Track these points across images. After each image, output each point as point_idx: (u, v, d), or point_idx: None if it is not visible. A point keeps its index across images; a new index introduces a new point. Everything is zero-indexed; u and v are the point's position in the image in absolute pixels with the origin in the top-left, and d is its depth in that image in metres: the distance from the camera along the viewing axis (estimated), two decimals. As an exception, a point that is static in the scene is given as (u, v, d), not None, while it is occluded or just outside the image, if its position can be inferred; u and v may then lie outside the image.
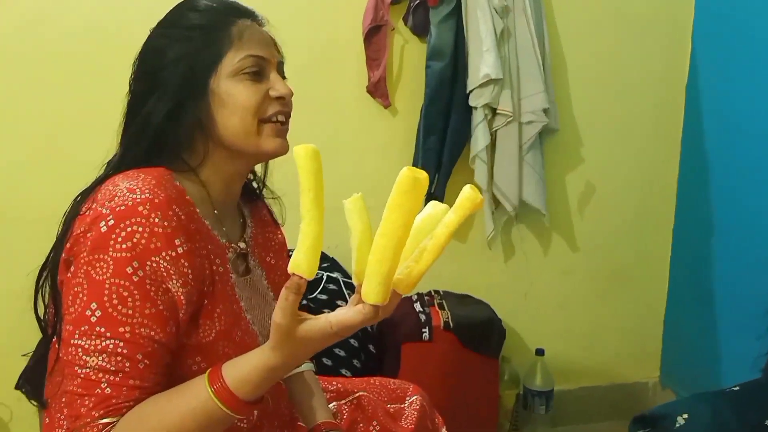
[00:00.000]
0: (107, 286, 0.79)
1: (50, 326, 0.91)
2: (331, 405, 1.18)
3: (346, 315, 0.73)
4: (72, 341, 0.80)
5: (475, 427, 1.97)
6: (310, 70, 1.95)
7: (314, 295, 1.85)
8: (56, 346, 0.87)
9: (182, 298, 0.83)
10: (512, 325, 2.22)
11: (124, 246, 0.79)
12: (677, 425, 1.24)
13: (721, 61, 2.10)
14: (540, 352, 2.16)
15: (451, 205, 0.74)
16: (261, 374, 0.77)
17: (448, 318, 1.93)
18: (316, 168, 0.72)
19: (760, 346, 1.43)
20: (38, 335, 0.96)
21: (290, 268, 0.73)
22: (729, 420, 1.21)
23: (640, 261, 2.33)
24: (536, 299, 2.27)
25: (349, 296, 1.62)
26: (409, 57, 2.03)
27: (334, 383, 1.26)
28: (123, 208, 0.80)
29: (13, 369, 0.98)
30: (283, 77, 0.99)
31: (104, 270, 0.79)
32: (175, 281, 0.82)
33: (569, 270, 2.28)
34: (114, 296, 0.79)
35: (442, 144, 2.00)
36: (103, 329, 0.79)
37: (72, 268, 0.83)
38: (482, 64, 1.90)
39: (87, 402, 0.78)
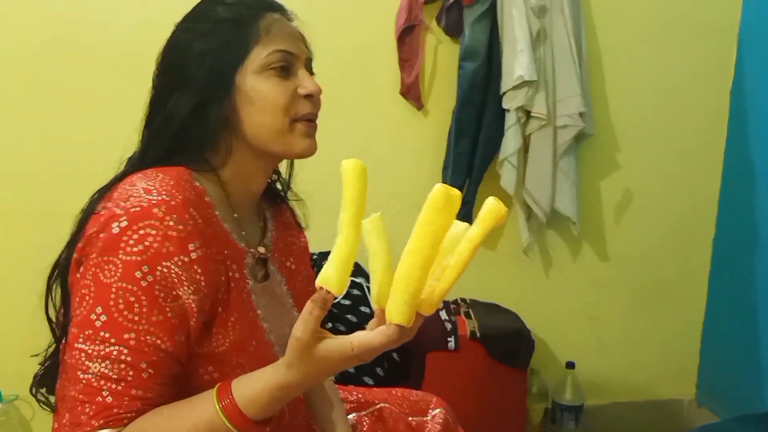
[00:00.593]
0: (114, 290, 0.76)
1: (59, 328, 0.89)
2: (350, 416, 1.15)
3: (367, 336, 0.71)
4: (76, 345, 0.77)
5: (501, 441, 1.92)
6: (342, 71, 1.93)
7: (337, 299, 1.81)
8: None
9: (193, 305, 0.80)
10: (542, 337, 2.18)
11: (135, 249, 0.77)
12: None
13: (768, 66, 2.02)
14: (570, 365, 2.11)
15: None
16: (273, 393, 0.74)
17: (474, 327, 1.89)
18: (362, 186, 0.71)
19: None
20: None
21: (319, 282, 0.70)
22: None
23: (677, 273, 2.27)
24: (567, 310, 2.23)
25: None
26: (442, 58, 2.01)
27: (354, 393, 1.22)
28: (138, 209, 0.78)
29: (36, 366, 0.96)
30: (311, 74, 0.96)
31: (112, 273, 0.77)
32: (186, 287, 0.79)
33: (602, 281, 2.23)
34: (120, 301, 0.76)
35: (474, 148, 1.97)
36: (107, 335, 0.76)
37: (81, 269, 0.80)
38: (516, 65, 1.86)
39: (87, 410, 0.76)
